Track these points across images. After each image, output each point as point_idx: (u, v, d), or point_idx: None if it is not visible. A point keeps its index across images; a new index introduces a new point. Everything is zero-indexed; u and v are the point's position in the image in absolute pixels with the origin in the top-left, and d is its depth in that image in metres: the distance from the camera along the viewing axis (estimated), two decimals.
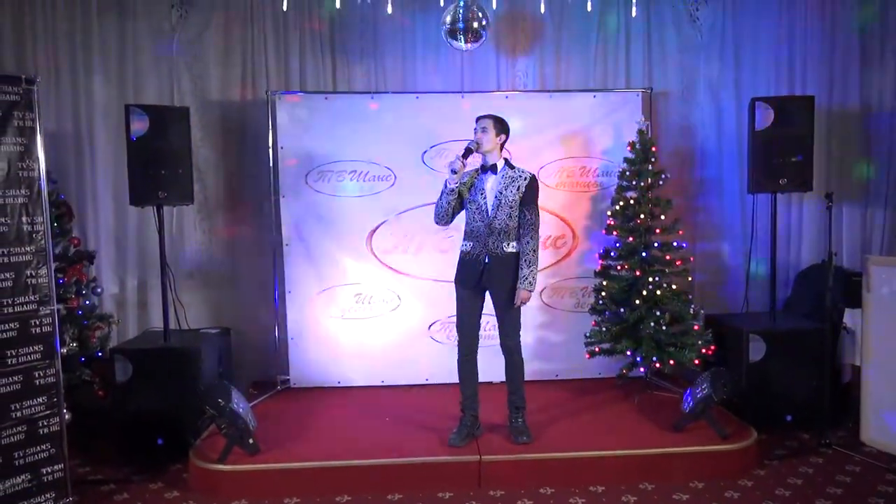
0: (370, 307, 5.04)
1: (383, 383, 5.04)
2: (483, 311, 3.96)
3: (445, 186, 3.78)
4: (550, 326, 5.11)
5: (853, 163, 5.29)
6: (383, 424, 4.28)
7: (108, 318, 4.77)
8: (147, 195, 4.30)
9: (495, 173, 3.84)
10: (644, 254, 4.62)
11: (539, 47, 5.29)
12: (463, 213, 3.92)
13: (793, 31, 5.27)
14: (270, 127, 4.95)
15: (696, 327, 4.58)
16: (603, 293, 4.71)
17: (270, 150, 4.96)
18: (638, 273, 4.60)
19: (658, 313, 4.51)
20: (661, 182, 4.67)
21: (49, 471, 3.29)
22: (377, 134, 4.94)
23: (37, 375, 3.25)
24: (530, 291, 3.85)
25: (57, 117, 5.01)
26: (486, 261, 3.81)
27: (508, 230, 3.81)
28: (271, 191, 5.00)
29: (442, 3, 4.54)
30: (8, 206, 3.18)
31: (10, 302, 3.17)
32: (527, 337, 4.96)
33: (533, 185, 3.86)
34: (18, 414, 3.19)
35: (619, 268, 4.73)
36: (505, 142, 3.90)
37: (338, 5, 4.39)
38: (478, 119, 3.86)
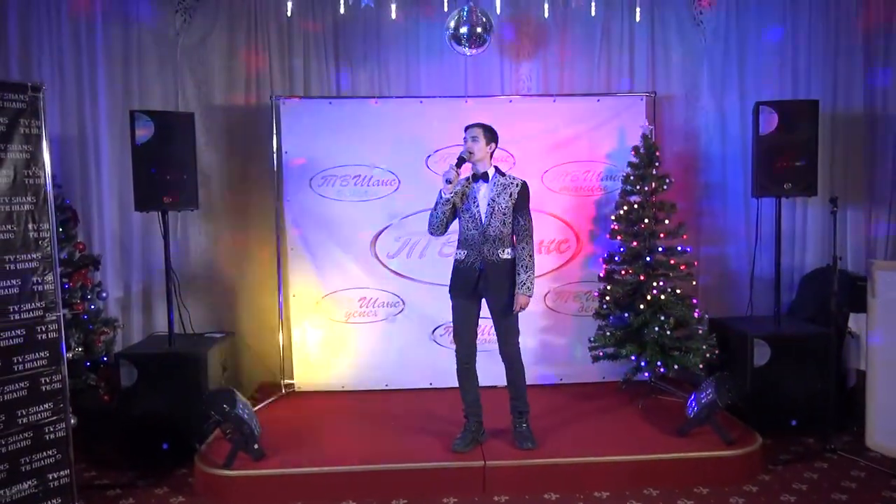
0: (374, 311, 5.05)
1: (387, 387, 5.04)
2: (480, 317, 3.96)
3: (440, 197, 3.76)
4: (554, 330, 5.11)
5: (857, 167, 5.27)
6: (387, 429, 4.28)
7: (113, 322, 4.78)
8: (152, 200, 4.31)
9: (487, 181, 3.84)
10: (648, 258, 4.62)
11: (543, 51, 5.29)
12: (455, 222, 3.92)
13: (797, 35, 5.26)
14: (274, 132, 4.96)
15: (700, 331, 4.57)
16: (607, 297, 4.71)
17: (274, 155, 4.97)
18: (642, 277, 4.60)
19: (662, 317, 4.51)
20: (665, 186, 4.67)
21: (55, 476, 3.30)
22: (381, 138, 4.95)
23: (43, 382, 3.26)
24: (529, 297, 3.86)
25: (62, 123, 5.03)
26: (482, 268, 3.81)
27: (503, 237, 3.82)
28: (275, 195, 5.01)
29: (446, 8, 4.54)
30: (14, 214, 3.19)
31: (16, 309, 3.18)
32: (530, 341, 5.01)
33: (525, 191, 3.88)
34: (25, 420, 3.20)
35: (623, 272, 4.72)
36: (494, 150, 3.91)
37: (341, 10, 4.40)
38: (467, 128, 3.85)
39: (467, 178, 3.86)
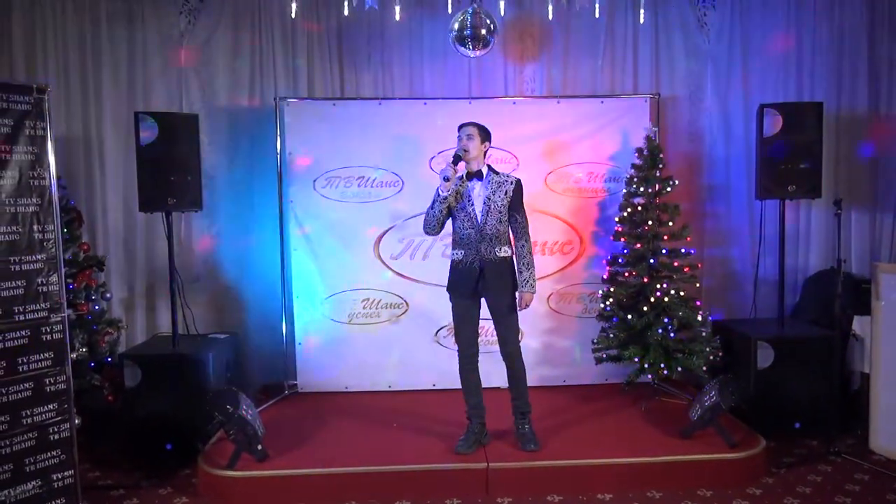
0: (377, 312, 5.06)
1: (390, 389, 5.05)
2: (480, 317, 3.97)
3: (438, 195, 3.75)
4: (557, 332, 5.11)
5: (862, 169, 5.26)
6: (390, 430, 4.28)
7: (117, 323, 4.81)
8: (156, 201, 4.32)
9: (481, 179, 3.84)
10: (652, 260, 4.62)
11: (547, 53, 5.29)
12: (449, 222, 3.92)
13: (801, 36, 5.26)
14: (278, 133, 4.96)
15: (703, 334, 4.57)
16: (610, 299, 4.71)
17: (278, 156, 4.98)
18: (646, 279, 4.60)
19: (666, 320, 4.50)
20: (668, 188, 4.66)
21: (59, 477, 3.31)
22: (385, 140, 4.96)
23: (47, 382, 3.27)
24: (533, 294, 3.88)
25: (67, 124, 5.06)
26: (481, 268, 3.81)
27: (499, 235, 3.83)
28: (279, 196, 5.01)
29: (450, 10, 4.54)
30: (19, 215, 3.20)
31: (21, 310, 3.18)
32: (534, 342, 5.03)
33: (519, 188, 3.89)
34: (29, 421, 3.20)
35: (626, 274, 4.72)
36: (488, 149, 3.93)
37: (346, 12, 4.41)
38: (461, 127, 3.86)
39: (461, 177, 3.86)
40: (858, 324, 4.51)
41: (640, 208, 4.67)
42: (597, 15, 4.58)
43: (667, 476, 3.75)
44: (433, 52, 5.24)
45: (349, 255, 5.01)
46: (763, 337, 4.38)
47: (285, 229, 5.02)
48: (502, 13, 4.55)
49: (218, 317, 5.23)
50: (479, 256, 3.81)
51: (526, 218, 3.91)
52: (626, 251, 4.72)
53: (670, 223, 4.66)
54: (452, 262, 3.92)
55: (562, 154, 5.04)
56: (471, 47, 4.60)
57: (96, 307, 4.68)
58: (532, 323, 5.02)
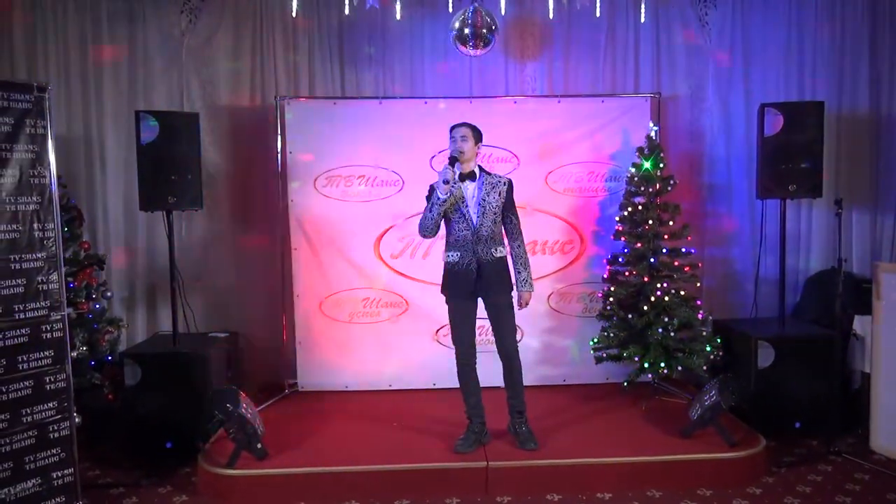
0: (377, 311, 5.06)
1: (391, 388, 5.05)
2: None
3: (437, 198, 3.72)
4: (557, 331, 5.11)
5: (863, 169, 5.26)
6: (390, 429, 4.28)
7: (117, 321, 4.80)
8: (156, 200, 4.33)
9: (474, 180, 3.83)
10: (652, 259, 4.61)
11: (548, 52, 5.28)
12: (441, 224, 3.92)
13: (802, 36, 5.25)
14: (279, 132, 4.96)
15: (704, 333, 4.57)
16: (611, 299, 4.71)
17: (279, 155, 4.98)
18: (646, 279, 4.59)
19: (666, 319, 4.50)
20: (669, 187, 4.66)
21: (59, 475, 3.31)
22: (385, 139, 4.95)
23: (47, 381, 3.27)
24: (532, 292, 3.92)
25: (68, 122, 5.06)
26: (478, 269, 3.80)
27: (494, 236, 3.83)
28: (280, 195, 5.02)
29: (450, 9, 4.54)
30: (20, 213, 3.20)
31: (21, 308, 3.19)
32: (534, 342, 5.03)
33: (511, 188, 3.91)
34: (29, 419, 3.21)
35: (627, 273, 4.72)
36: (479, 149, 3.93)
37: (346, 11, 4.41)
38: (454, 128, 3.84)
39: (456, 179, 3.85)
40: (859, 323, 4.50)
41: (640, 207, 4.66)
42: (597, 14, 4.57)
43: (667, 475, 3.74)
44: (434, 51, 5.24)
45: (349, 254, 5.01)
46: (763, 336, 4.38)
47: (285, 228, 5.01)
48: (503, 12, 4.53)
49: (218, 316, 5.22)
50: (476, 258, 3.81)
51: (518, 217, 3.93)
52: (626, 250, 4.72)
53: (671, 222, 4.65)
54: (448, 264, 3.90)
55: (562, 153, 5.03)
56: (471, 46, 4.60)
57: (97, 306, 4.67)
58: (532, 322, 5.02)
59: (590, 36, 5.28)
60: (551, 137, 5.01)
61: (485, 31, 4.55)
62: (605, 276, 4.85)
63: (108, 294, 4.83)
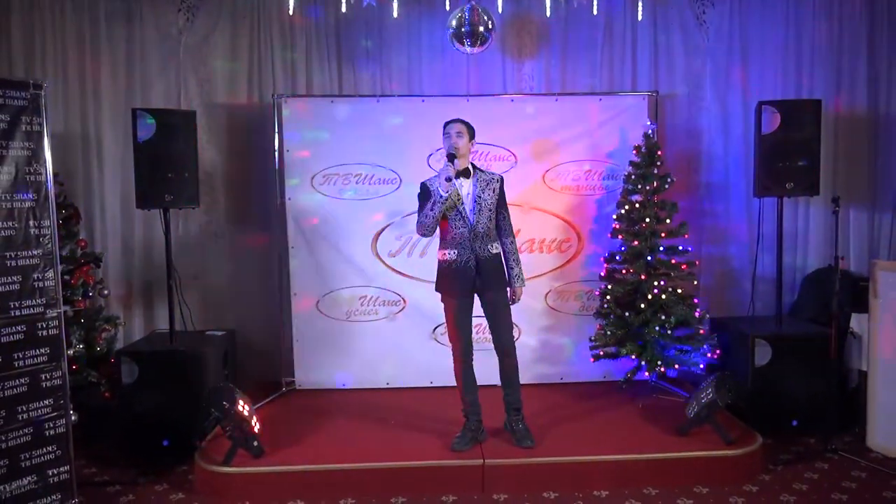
0: (375, 310, 5.05)
1: (388, 386, 5.04)
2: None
3: (438, 196, 3.72)
4: (555, 329, 5.10)
5: (861, 167, 5.26)
6: (387, 427, 4.28)
7: (114, 319, 4.81)
8: (153, 198, 4.33)
9: (468, 177, 3.83)
10: (649, 257, 4.62)
11: (545, 50, 5.28)
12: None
13: (800, 34, 5.25)
14: (276, 130, 4.96)
15: (701, 331, 4.57)
16: (608, 297, 4.71)
17: (276, 153, 4.98)
18: (643, 277, 4.59)
19: (663, 317, 4.50)
20: (666, 185, 4.66)
21: (55, 472, 3.31)
22: (383, 137, 4.95)
23: (43, 378, 3.27)
24: (523, 287, 3.99)
25: (65, 120, 5.06)
26: (476, 266, 3.81)
27: (489, 232, 3.85)
28: (277, 193, 5.02)
29: (448, 7, 4.54)
30: (15, 210, 3.20)
31: (17, 305, 3.18)
32: (531, 340, 5.03)
33: (503, 185, 3.93)
34: (25, 416, 3.20)
35: (624, 271, 4.72)
36: (473, 146, 3.95)
37: (343, 9, 4.41)
38: (449, 124, 3.84)
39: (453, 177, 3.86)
40: (856, 321, 4.51)
41: (637, 205, 4.67)
42: (594, 12, 4.58)
43: (663, 473, 3.74)
44: (431, 48, 5.24)
45: (347, 252, 5.01)
46: (760, 334, 4.38)
47: (283, 226, 5.01)
48: (500, 10, 4.55)
49: (216, 314, 5.21)
50: (475, 255, 3.81)
51: (509, 214, 3.97)
52: (623, 248, 4.72)
53: (668, 220, 4.66)
54: (445, 262, 3.88)
55: (560, 151, 5.03)
56: (468, 44, 4.60)
57: (95, 304, 4.67)
58: (529, 320, 5.02)
59: (587, 34, 5.28)
60: (549, 135, 5.01)
61: (482, 28, 4.55)
62: (603, 274, 4.85)
63: (105, 292, 4.84)
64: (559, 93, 5.21)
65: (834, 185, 5.13)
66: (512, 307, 3.96)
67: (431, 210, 3.76)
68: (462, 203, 3.80)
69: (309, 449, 3.95)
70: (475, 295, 3.91)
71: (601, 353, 4.73)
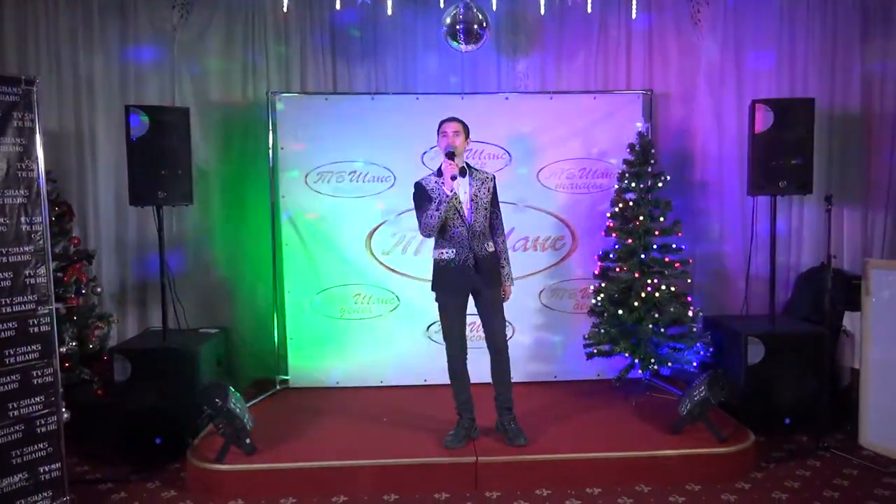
0: (369, 308, 5.05)
1: (382, 384, 5.04)
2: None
3: (444, 195, 3.70)
4: (549, 327, 5.11)
5: (854, 165, 5.27)
6: (381, 425, 4.28)
7: (107, 317, 4.79)
8: (147, 195, 4.32)
9: (464, 176, 3.82)
10: (643, 256, 4.62)
11: (540, 48, 5.28)
12: None
13: (794, 33, 5.26)
14: (270, 128, 4.96)
15: (694, 329, 4.58)
16: (601, 295, 4.71)
17: (270, 151, 4.97)
18: (637, 275, 4.60)
19: (657, 315, 4.51)
20: (660, 184, 4.66)
21: (46, 469, 3.30)
22: (377, 135, 4.95)
23: (34, 375, 3.26)
24: (512, 285, 4.03)
25: (58, 117, 5.04)
26: (475, 265, 3.81)
27: (485, 231, 3.86)
28: (271, 191, 5.01)
29: (442, 4, 4.54)
30: (7, 207, 3.18)
31: (8, 301, 3.17)
32: (525, 338, 5.03)
33: (496, 184, 3.96)
34: (16, 413, 3.19)
35: (617, 269, 4.72)
36: (468, 145, 3.97)
37: (338, 6, 4.40)
38: (445, 122, 3.85)
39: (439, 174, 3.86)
40: (849, 320, 4.52)
41: (631, 204, 4.66)
42: (589, 10, 4.58)
43: (656, 470, 3.75)
44: (426, 46, 5.23)
45: (341, 250, 5.01)
46: (753, 333, 4.38)
47: (277, 224, 5.01)
48: (494, 7, 4.53)
49: (209, 312, 5.20)
50: (473, 253, 3.81)
51: (501, 213, 4.00)
52: (617, 246, 4.72)
53: (662, 219, 4.65)
54: (443, 261, 3.87)
55: (554, 150, 5.03)
56: (463, 42, 4.60)
57: (88, 301, 4.66)
58: (523, 319, 5.02)
59: (582, 32, 5.28)
60: (543, 134, 5.02)
61: (476, 27, 4.55)
62: (596, 272, 4.85)
63: (98, 289, 4.82)
64: (554, 91, 5.21)
65: (827, 184, 5.14)
66: (504, 305, 3.96)
67: (437, 210, 3.74)
68: (459, 202, 3.80)
69: (302, 446, 3.95)
70: (470, 293, 3.91)
71: (595, 351, 4.73)
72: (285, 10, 4.64)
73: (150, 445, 4.17)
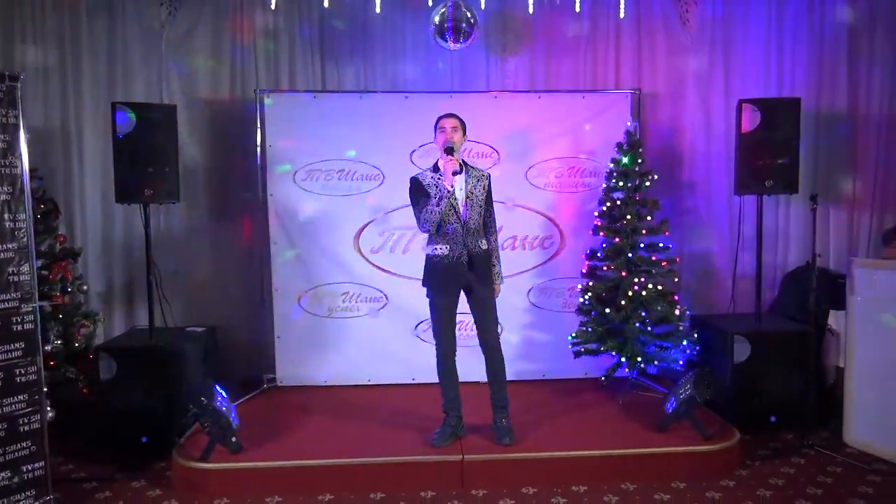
0: (357, 306, 5.05)
1: (369, 382, 5.04)
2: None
3: (445, 191, 3.69)
4: (537, 326, 5.12)
5: (841, 165, 5.30)
6: (368, 423, 4.27)
7: (93, 315, 4.77)
8: (133, 192, 4.29)
9: (460, 173, 3.80)
10: (630, 254, 4.63)
11: (528, 47, 5.29)
12: None
13: (782, 33, 5.29)
14: (259, 125, 4.94)
15: (681, 328, 4.59)
16: (589, 293, 4.72)
17: (258, 149, 4.96)
18: (624, 274, 4.61)
19: (644, 314, 4.52)
20: (648, 183, 4.67)
21: (30, 468, 3.27)
22: (366, 133, 4.94)
23: (18, 373, 3.23)
24: (502, 284, 4.05)
25: (45, 114, 5.01)
26: (469, 262, 3.81)
27: (479, 228, 3.87)
28: (259, 189, 4.99)
29: (430, 3, 4.54)
30: None
31: None
32: (513, 336, 5.03)
33: (491, 182, 3.95)
34: None
35: (605, 268, 4.73)
36: (465, 142, 3.97)
37: (326, 4, 4.39)
38: (443, 118, 3.85)
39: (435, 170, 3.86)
40: (834, 318, 4.54)
41: (619, 203, 4.68)
42: (577, 9, 4.58)
43: (641, 468, 3.76)
44: (415, 45, 5.23)
45: (329, 248, 5.00)
46: (740, 331, 4.40)
47: (265, 222, 4.99)
48: (483, 6, 4.54)
49: (196, 310, 5.17)
50: (467, 250, 3.81)
51: (494, 211, 4.00)
52: (604, 245, 4.73)
53: (649, 218, 4.67)
54: (436, 257, 3.85)
55: (543, 148, 5.04)
56: (451, 41, 4.61)
57: (74, 299, 4.64)
58: (512, 317, 5.02)
59: (571, 31, 5.29)
60: (532, 133, 5.02)
61: (464, 25, 4.56)
62: (584, 270, 4.86)
63: (84, 288, 4.79)
64: (542, 90, 5.22)
65: (814, 184, 5.17)
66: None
67: (438, 206, 3.72)
68: (455, 198, 3.80)
69: (287, 445, 3.95)
70: (461, 291, 3.91)
71: (582, 349, 4.74)
72: (273, 7, 4.62)
73: (136, 444, 4.14)
